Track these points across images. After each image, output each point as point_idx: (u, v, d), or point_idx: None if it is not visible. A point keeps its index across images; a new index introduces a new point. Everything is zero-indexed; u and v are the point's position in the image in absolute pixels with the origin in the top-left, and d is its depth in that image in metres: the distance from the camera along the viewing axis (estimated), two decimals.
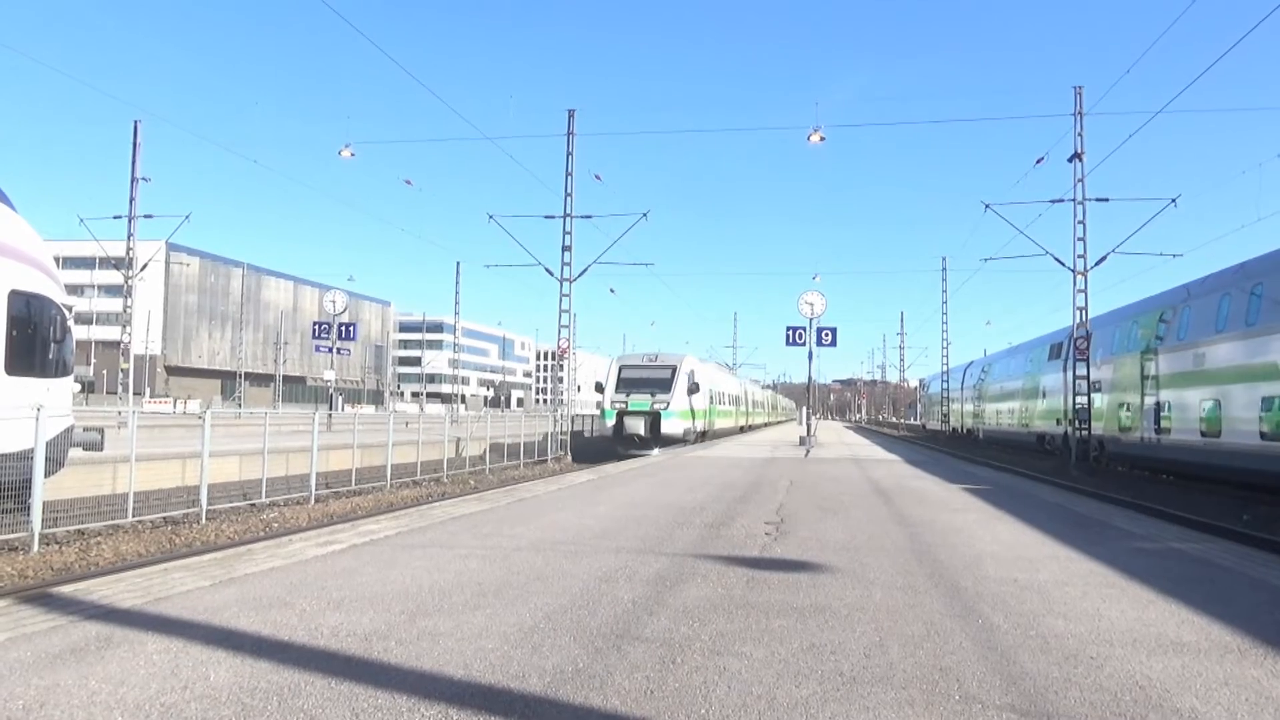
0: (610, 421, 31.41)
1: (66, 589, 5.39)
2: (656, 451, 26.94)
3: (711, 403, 37.50)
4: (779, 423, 78.51)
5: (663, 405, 30.84)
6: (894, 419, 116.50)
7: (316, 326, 36.35)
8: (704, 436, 35.12)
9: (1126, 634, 4.65)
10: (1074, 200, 26.56)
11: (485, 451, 25.49)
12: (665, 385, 31.48)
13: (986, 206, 27.48)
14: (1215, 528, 12.32)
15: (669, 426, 30.74)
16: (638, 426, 30.47)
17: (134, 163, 33.48)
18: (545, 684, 3.69)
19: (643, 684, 3.71)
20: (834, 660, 4.09)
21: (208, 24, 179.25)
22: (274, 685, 3.61)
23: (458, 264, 71.31)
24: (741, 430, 49.87)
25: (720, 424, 40.65)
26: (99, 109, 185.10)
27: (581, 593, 5.44)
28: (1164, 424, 21.38)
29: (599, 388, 33.47)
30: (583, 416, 40.12)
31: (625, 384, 31.97)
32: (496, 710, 3.40)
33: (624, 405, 31.07)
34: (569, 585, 5.66)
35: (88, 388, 63.52)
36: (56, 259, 13.89)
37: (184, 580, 5.66)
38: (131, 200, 33.62)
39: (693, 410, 32.55)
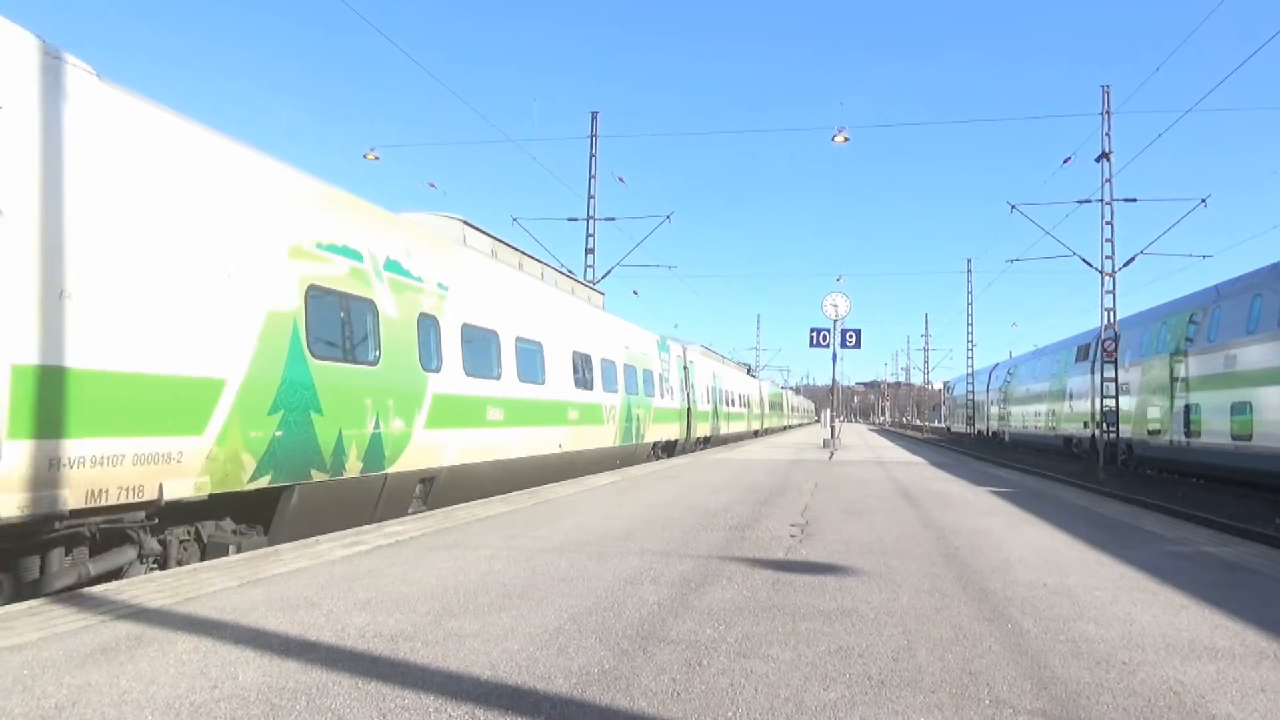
0: None
1: (96, 589, 5.46)
2: None
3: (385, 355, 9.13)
4: (788, 428, 66.94)
5: None
6: (918, 421, 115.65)
7: None
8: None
9: (1159, 639, 4.58)
10: (1102, 201, 26.31)
11: None
12: None
13: (1013, 207, 27.29)
14: (1247, 531, 12.13)
15: None
16: None
17: None
18: (572, 685, 3.68)
19: (669, 686, 3.70)
20: (862, 663, 4.05)
21: (233, 28, 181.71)
22: (302, 685, 3.63)
23: None
24: (698, 443, 27.77)
25: (492, 445, 11.94)
26: None
27: (607, 594, 5.43)
28: (1193, 427, 21.08)
29: None
30: None
31: None
32: (523, 711, 3.40)
33: None
34: (594, 587, 5.66)
35: None
36: None
37: (212, 580, 5.71)
38: None
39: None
